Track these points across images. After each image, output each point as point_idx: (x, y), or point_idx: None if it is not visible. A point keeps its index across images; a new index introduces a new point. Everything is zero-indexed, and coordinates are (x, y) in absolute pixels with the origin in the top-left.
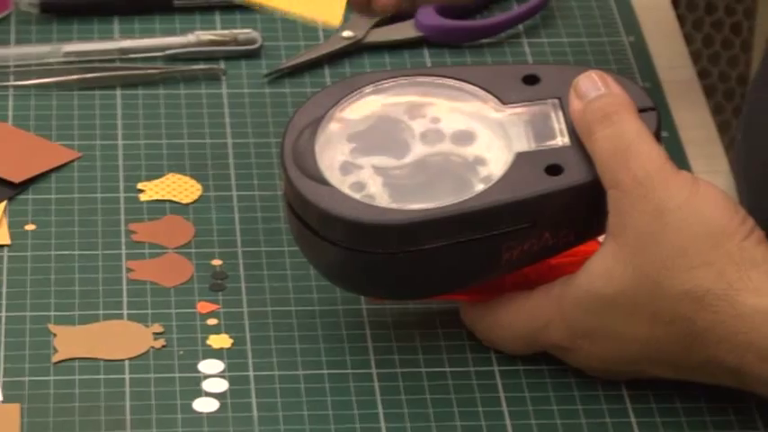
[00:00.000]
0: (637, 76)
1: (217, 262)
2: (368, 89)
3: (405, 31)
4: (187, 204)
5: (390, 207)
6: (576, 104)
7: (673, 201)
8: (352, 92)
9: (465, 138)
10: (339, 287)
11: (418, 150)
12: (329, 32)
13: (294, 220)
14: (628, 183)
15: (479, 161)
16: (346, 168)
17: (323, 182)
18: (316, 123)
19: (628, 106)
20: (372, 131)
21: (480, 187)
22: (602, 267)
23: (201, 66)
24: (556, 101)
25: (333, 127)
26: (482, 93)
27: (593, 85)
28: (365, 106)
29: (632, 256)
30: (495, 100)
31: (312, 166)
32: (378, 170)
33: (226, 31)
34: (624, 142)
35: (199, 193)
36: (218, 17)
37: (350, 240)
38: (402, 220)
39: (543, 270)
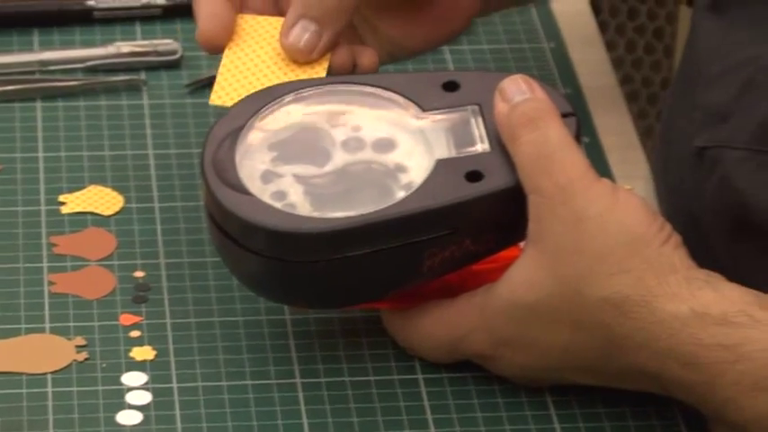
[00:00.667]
0: (558, 82)
1: (139, 274)
2: (288, 98)
3: None
4: (109, 216)
5: (311, 216)
6: (501, 107)
7: (592, 208)
8: (273, 101)
9: (386, 145)
10: (262, 297)
11: (339, 159)
12: None
13: (215, 230)
14: (549, 189)
15: (400, 168)
16: (267, 177)
17: (243, 191)
18: (236, 133)
19: (552, 112)
20: (293, 140)
21: (401, 194)
22: (523, 275)
23: (122, 77)
24: (476, 107)
25: (253, 136)
26: (402, 100)
27: (518, 89)
28: (285, 115)
29: (552, 263)
30: (416, 107)
31: (232, 175)
32: (299, 179)
33: (146, 42)
34: (548, 148)
35: (121, 204)
36: (138, 28)
37: (271, 249)
38: (323, 228)
39: (465, 277)
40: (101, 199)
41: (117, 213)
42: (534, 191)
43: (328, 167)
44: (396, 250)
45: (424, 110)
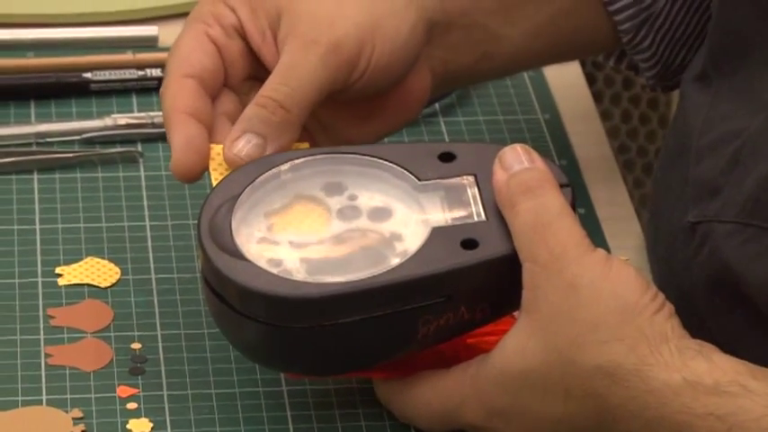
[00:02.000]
0: (553, 153)
1: (136, 345)
2: (285, 167)
3: None
4: (106, 288)
5: (306, 281)
6: (500, 175)
7: (586, 276)
8: (269, 169)
9: (381, 214)
10: (259, 365)
11: (335, 227)
12: None
13: (212, 297)
14: (545, 257)
15: (396, 237)
16: (263, 244)
17: (240, 257)
18: (233, 200)
19: (551, 181)
20: (289, 208)
21: (396, 262)
22: (516, 344)
23: (119, 149)
24: (471, 177)
25: (249, 204)
26: (398, 170)
27: (517, 158)
28: (281, 184)
29: (545, 331)
30: (412, 177)
31: (229, 241)
32: (294, 245)
33: (143, 114)
34: (546, 217)
35: (117, 276)
36: (134, 100)
37: (266, 315)
38: (318, 293)
39: (459, 347)
40: (98, 271)
41: (114, 285)
42: (530, 259)
43: (324, 235)
44: (390, 317)
45: (420, 179)
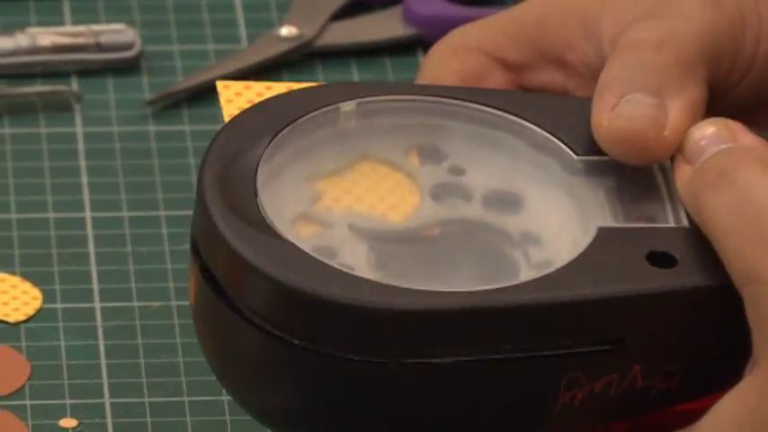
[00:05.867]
0: None
1: (69, 423)
2: (348, 106)
3: (386, 26)
4: (17, 324)
5: (387, 284)
6: (682, 169)
7: None
8: (321, 108)
9: (506, 202)
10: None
11: (428, 211)
12: (256, 30)
13: (209, 297)
14: None
15: (531, 239)
16: (304, 223)
17: (272, 234)
18: (257, 150)
19: (755, 157)
20: (351, 174)
21: (531, 275)
22: (740, 410)
23: (40, 87)
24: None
25: (283, 159)
26: (542, 136)
27: (712, 140)
28: (340, 135)
29: None
30: (562, 148)
31: (253, 209)
32: (357, 231)
33: (81, 27)
34: (753, 208)
35: (37, 303)
36: (66, 4)
37: (314, 335)
38: (410, 305)
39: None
40: (4, 295)
41: (31, 319)
42: (749, 281)
43: (407, 223)
44: (516, 364)
45: (575, 153)
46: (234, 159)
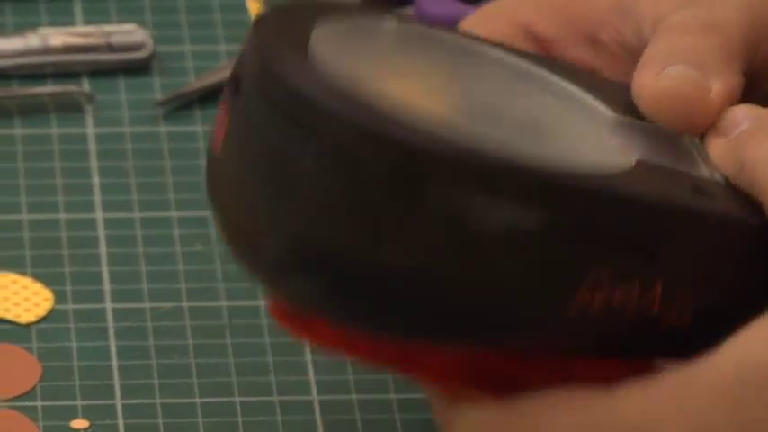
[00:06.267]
0: None
1: (80, 424)
2: (389, 25)
3: None
4: (28, 325)
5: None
6: (717, 142)
7: None
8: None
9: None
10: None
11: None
12: None
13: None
14: None
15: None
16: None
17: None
18: (296, 45)
19: None
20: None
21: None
22: (746, 357)
23: (51, 88)
24: (696, 139)
25: (326, 52)
26: (580, 94)
27: (748, 115)
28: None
29: None
30: (604, 108)
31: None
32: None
33: (92, 28)
34: None
35: (49, 305)
36: (77, 4)
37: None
38: (482, 148)
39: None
40: (15, 296)
41: (42, 320)
42: None
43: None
44: (555, 237)
45: (615, 113)
46: (278, 53)
